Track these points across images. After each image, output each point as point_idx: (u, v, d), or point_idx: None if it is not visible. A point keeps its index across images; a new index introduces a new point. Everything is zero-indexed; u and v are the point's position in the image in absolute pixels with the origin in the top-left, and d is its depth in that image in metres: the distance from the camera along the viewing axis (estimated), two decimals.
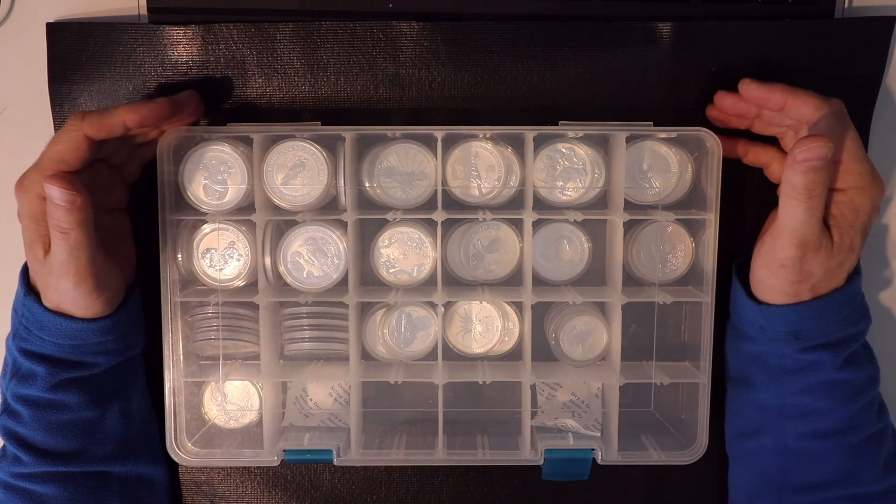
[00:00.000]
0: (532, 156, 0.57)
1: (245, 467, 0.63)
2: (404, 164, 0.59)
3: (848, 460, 0.54)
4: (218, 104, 0.60)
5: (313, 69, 0.59)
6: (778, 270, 0.52)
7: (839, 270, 0.52)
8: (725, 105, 0.56)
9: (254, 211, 0.57)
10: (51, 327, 0.53)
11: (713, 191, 0.56)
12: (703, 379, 0.58)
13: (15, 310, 0.55)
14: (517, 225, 0.60)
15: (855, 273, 0.54)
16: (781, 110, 0.53)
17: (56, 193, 0.49)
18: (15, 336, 0.55)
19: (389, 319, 0.60)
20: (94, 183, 0.53)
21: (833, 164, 0.51)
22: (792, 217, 0.50)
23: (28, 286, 0.54)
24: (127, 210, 0.58)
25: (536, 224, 0.58)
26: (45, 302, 0.53)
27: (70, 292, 0.51)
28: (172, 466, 0.63)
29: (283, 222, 0.60)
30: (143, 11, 0.59)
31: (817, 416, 0.54)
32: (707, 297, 0.57)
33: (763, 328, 0.54)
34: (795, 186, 0.49)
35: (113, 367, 0.57)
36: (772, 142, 0.58)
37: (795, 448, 0.55)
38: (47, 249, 0.51)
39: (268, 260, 0.58)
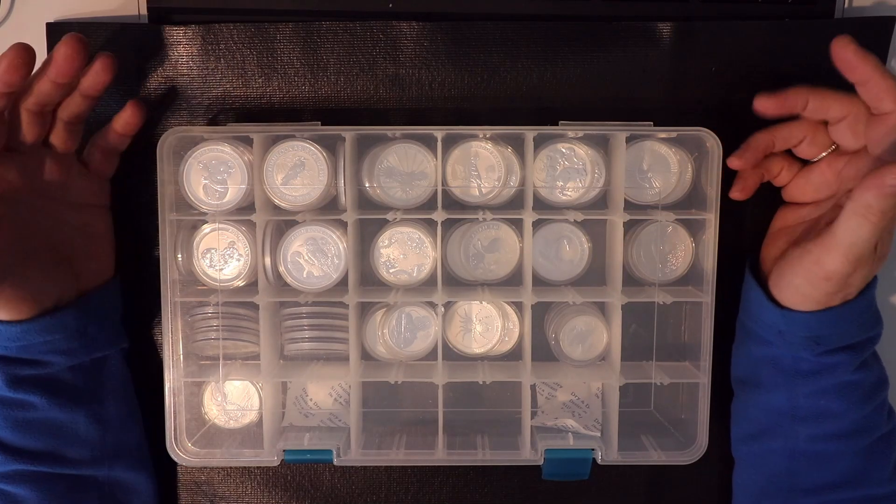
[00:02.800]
0: (532, 156, 0.57)
1: (245, 467, 0.63)
2: (404, 164, 0.59)
3: (859, 462, 0.54)
4: (218, 104, 0.60)
5: (313, 69, 0.59)
6: (820, 282, 0.50)
7: (869, 275, 0.52)
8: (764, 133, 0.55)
9: (254, 211, 0.57)
10: None
11: (713, 191, 0.56)
12: (703, 379, 0.58)
13: None
14: (517, 225, 0.60)
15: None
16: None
17: None
18: None
19: (389, 319, 0.60)
20: (34, 172, 0.52)
21: (881, 163, 0.49)
22: (855, 235, 0.48)
23: None
24: (106, 208, 0.58)
25: (536, 224, 0.58)
26: None
27: None
28: (160, 473, 0.62)
29: (283, 222, 0.60)
30: (143, 11, 0.59)
31: (831, 418, 0.54)
32: (707, 297, 0.57)
33: (782, 332, 0.54)
34: (871, 207, 0.47)
35: (75, 367, 0.55)
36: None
37: (806, 450, 0.55)
38: None
39: (268, 260, 0.58)
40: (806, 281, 0.51)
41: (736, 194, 0.57)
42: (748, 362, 0.58)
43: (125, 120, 0.56)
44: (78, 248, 0.55)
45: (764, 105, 0.53)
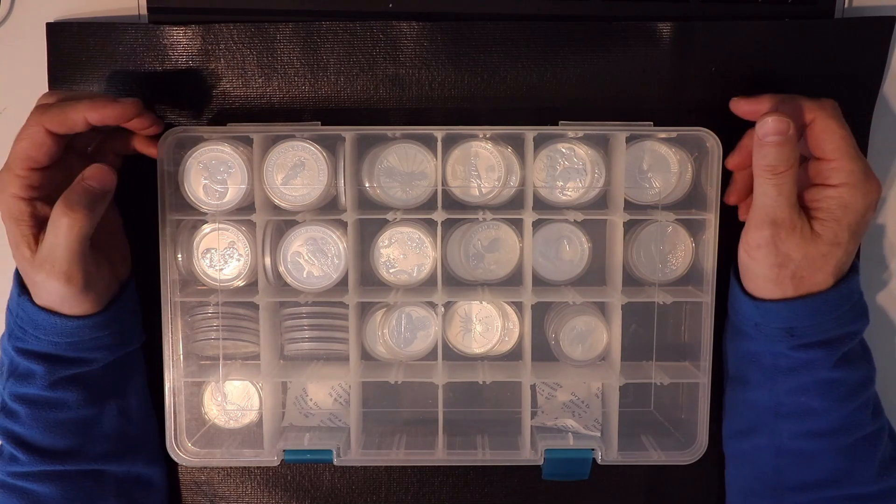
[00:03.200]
0: (532, 156, 0.57)
1: (245, 467, 0.63)
2: (404, 164, 0.59)
3: (842, 460, 0.54)
4: (218, 104, 0.60)
5: (313, 69, 0.59)
6: (755, 251, 0.53)
7: (823, 262, 0.52)
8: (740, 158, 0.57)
9: (254, 211, 0.57)
10: (46, 326, 0.53)
11: (713, 191, 0.56)
12: (703, 379, 0.58)
13: (10, 310, 0.55)
14: (517, 225, 0.60)
15: (851, 272, 0.54)
16: None
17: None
18: (10, 336, 0.55)
19: (389, 319, 0.60)
20: (67, 177, 0.53)
21: (824, 162, 0.52)
22: (762, 195, 0.52)
23: (21, 286, 0.54)
24: (114, 203, 0.58)
25: (536, 224, 0.58)
26: (37, 300, 0.53)
27: (59, 291, 0.51)
28: (172, 467, 0.63)
29: (283, 222, 0.60)
30: (143, 11, 0.59)
31: (812, 416, 0.54)
32: (707, 297, 0.57)
33: (758, 325, 0.54)
34: (760, 164, 0.51)
35: (110, 363, 0.56)
36: None
37: (790, 447, 0.55)
38: (34, 248, 0.51)
39: (268, 260, 0.58)
40: (747, 255, 0.53)
41: (730, 199, 0.58)
42: (735, 359, 0.59)
43: (147, 132, 0.56)
44: (105, 242, 0.56)
45: (737, 105, 0.55)
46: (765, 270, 0.53)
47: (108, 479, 0.57)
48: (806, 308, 0.52)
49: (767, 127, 0.50)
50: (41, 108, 0.51)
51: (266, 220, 0.58)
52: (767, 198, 0.51)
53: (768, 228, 0.51)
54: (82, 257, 0.51)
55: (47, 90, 0.59)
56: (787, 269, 0.52)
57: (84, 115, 0.51)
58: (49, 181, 0.52)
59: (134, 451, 0.59)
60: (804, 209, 0.52)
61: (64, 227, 0.50)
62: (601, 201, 0.61)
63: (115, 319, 0.55)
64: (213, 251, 0.59)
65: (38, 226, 0.51)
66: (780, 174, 0.50)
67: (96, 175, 0.51)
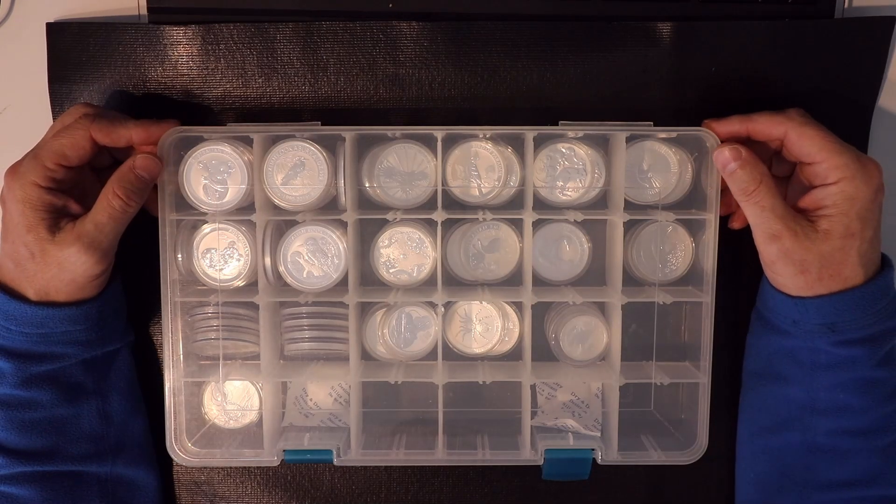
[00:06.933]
0: (532, 156, 0.57)
1: (245, 467, 0.63)
2: (404, 164, 0.59)
3: (877, 461, 0.53)
4: (218, 104, 0.60)
5: (313, 69, 0.59)
6: (772, 267, 0.54)
7: (842, 255, 0.51)
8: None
9: (254, 211, 0.57)
10: (17, 316, 0.52)
11: (713, 191, 0.56)
12: (703, 379, 0.58)
13: None
14: (517, 225, 0.60)
15: (885, 265, 0.54)
16: (749, 138, 0.55)
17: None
18: None
19: (389, 319, 0.60)
20: (77, 183, 0.54)
21: (815, 165, 0.52)
22: (751, 217, 0.54)
23: None
24: None
25: (536, 224, 0.58)
26: (28, 287, 0.53)
27: (79, 267, 0.52)
28: (164, 469, 0.62)
29: (283, 222, 0.60)
30: (143, 11, 0.59)
31: (849, 414, 0.54)
32: (707, 297, 0.57)
33: (797, 322, 0.54)
34: (734, 190, 0.54)
35: (87, 361, 0.56)
36: None
37: (824, 444, 0.55)
38: (53, 230, 0.52)
39: (268, 260, 0.58)
40: (769, 272, 0.55)
41: (731, 218, 0.59)
42: (766, 354, 0.58)
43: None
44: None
45: (711, 127, 0.56)
46: (790, 280, 0.53)
47: (89, 480, 0.56)
48: (845, 302, 0.52)
49: (724, 158, 0.54)
50: (90, 116, 0.53)
51: (266, 220, 0.58)
52: (755, 217, 0.53)
53: (772, 244, 0.52)
54: (117, 240, 0.54)
55: (48, 90, 0.59)
56: (810, 272, 0.52)
57: (132, 133, 0.54)
58: (67, 179, 0.53)
59: (115, 452, 0.58)
60: (811, 211, 0.53)
61: (116, 210, 0.53)
62: (601, 201, 0.61)
63: (90, 315, 0.54)
64: (213, 251, 0.59)
65: (52, 212, 0.52)
66: (754, 192, 0.52)
67: (146, 165, 0.54)
